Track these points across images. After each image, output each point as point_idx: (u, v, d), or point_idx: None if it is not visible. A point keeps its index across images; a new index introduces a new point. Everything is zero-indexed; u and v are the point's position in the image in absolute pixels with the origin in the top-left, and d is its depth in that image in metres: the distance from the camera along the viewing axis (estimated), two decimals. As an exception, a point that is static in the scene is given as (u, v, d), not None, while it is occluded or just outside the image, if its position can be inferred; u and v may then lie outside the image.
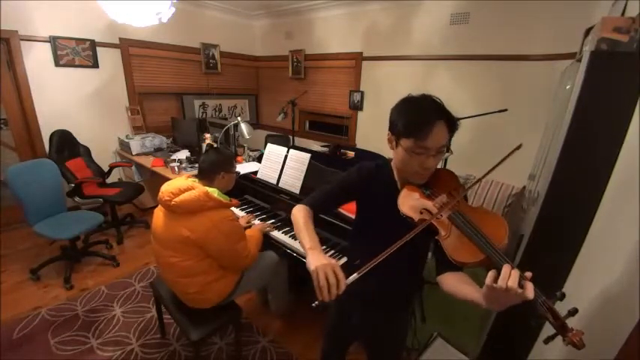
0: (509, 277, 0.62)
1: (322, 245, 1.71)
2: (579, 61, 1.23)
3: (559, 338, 0.66)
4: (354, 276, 0.76)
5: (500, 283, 0.62)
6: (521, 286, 0.62)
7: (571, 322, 0.66)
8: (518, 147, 0.87)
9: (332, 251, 1.71)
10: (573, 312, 0.66)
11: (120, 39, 3.44)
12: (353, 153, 2.94)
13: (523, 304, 0.64)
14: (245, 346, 1.88)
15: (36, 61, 2.95)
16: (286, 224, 1.94)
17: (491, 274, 0.65)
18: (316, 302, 0.75)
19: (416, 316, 2.02)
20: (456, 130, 0.88)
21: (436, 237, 0.85)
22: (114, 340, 1.91)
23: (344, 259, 1.60)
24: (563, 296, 0.68)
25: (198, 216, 1.40)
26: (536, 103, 2.54)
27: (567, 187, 1.20)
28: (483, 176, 0.92)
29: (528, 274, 0.64)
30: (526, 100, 2.60)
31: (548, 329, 0.67)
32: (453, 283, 0.85)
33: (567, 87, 1.43)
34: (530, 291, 0.62)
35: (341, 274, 0.77)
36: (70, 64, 3.14)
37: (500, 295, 0.64)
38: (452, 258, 0.80)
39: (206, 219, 1.40)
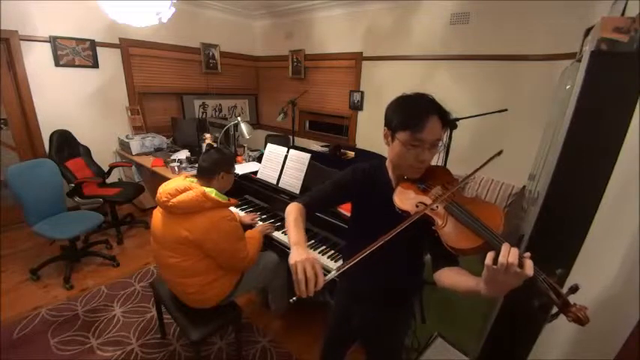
0: (508, 254, 0.63)
1: (322, 245, 1.73)
2: (579, 61, 1.23)
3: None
4: (333, 273, 0.75)
5: (501, 259, 0.62)
6: (520, 265, 0.62)
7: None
8: (499, 153, 0.94)
9: (332, 251, 1.70)
10: (574, 288, 0.66)
11: (120, 39, 3.44)
12: (353, 153, 2.93)
13: (525, 286, 0.63)
14: (245, 346, 1.88)
15: (36, 61, 2.95)
16: (286, 224, 1.93)
17: (490, 254, 0.65)
18: (294, 298, 0.74)
19: (416, 317, 2.02)
20: (454, 128, 0.90)
21: (433, 227, 0.85)
22: (114, 340, 1.91)
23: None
24: (563, 274, 0.68)
25: (197, 216, 1.40)
26: (536, 103, 2.54)
27: (567, 187, 1.19)
28: (473, 172, 0.94)
29: (527, 253, 0.65)
30: (526, 100, 2.60)
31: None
32: (451, 276, 0.86)
33: (567, 87, 1.43)
34: (529, 268, 0.62)
35: (319, 270, 0.77)
36: (70, 64, 3.14)
37: (499, 275, 0.64)
38: (450, 246, 0.80)
39: (205, 219, 1.40)
